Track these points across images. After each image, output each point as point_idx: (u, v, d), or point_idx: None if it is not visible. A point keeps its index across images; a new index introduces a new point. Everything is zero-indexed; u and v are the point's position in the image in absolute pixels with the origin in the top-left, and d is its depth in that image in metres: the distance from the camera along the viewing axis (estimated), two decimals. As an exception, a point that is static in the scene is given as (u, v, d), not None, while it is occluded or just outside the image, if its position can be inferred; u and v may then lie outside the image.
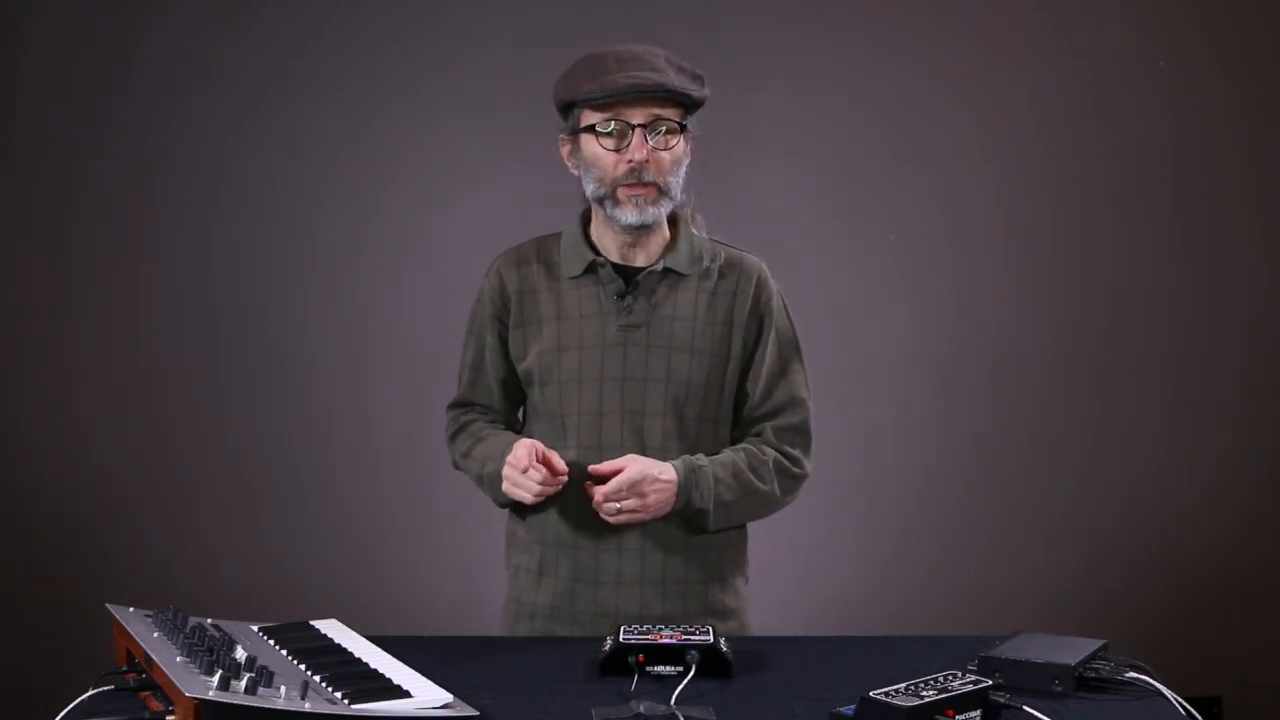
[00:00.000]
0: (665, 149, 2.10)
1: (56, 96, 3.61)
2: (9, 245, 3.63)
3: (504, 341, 2.25)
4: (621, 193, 2.11)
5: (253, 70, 3.63)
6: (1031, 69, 3.74)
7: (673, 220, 2.23)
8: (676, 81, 2.08)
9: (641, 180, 2.10)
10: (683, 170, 2.15)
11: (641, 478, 2.07)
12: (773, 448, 2.21)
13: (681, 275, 2.20)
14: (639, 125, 2.08)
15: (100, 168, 3.63)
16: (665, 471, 2.09)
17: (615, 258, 2.20)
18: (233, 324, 3.67)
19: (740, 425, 2.25)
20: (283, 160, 3.66)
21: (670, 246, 2.21)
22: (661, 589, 2.17)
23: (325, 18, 3.65)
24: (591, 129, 2.11)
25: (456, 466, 2.31)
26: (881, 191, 3.76)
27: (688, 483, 2.11)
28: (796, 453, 2.22)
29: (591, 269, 2.19)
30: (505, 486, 2.11)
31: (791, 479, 2.22)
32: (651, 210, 2.12)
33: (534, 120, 3.61)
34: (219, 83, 3.62)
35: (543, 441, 2.17)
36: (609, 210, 2.13)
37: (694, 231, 2.24)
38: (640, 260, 2.20)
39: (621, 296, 2.18)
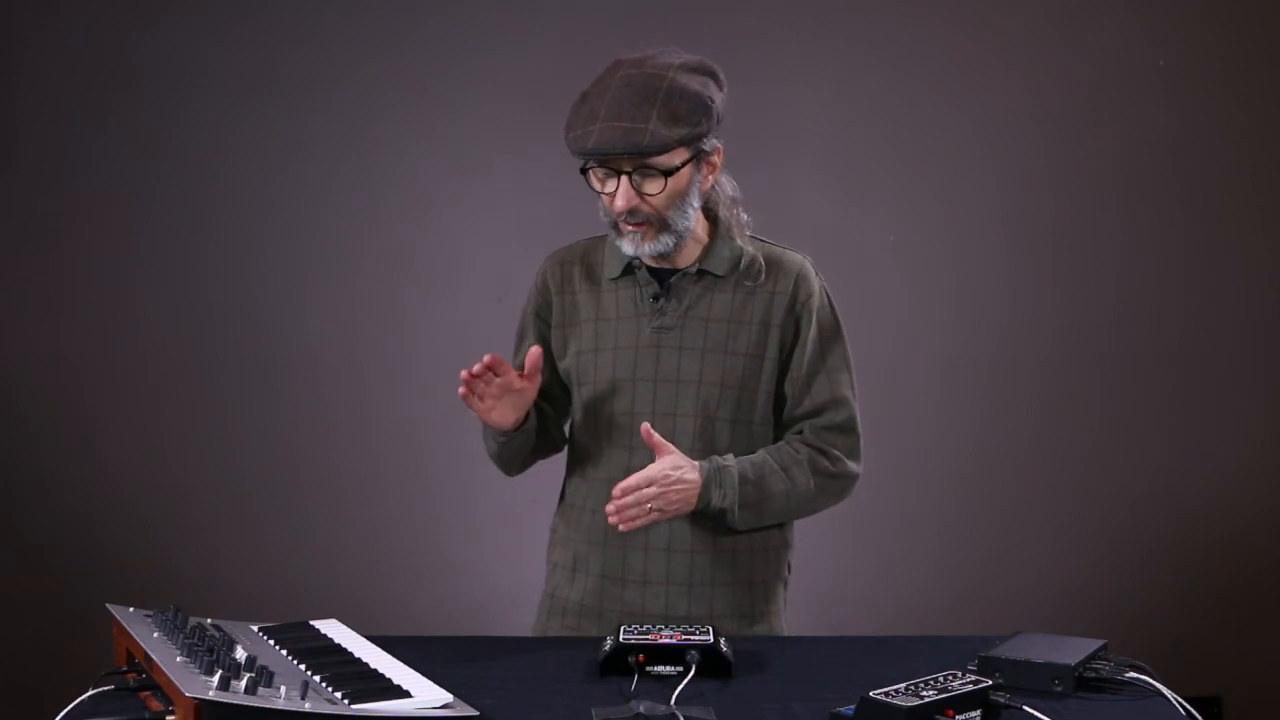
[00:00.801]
0: (652, 193, 2.09)
1: (57, 97, 3.61)
2: (9, 245, 3.63)
3: (544, 340, 2.26)
4: (622, 226, 2.12)
5: (253, 70, 3.63)
6: (1032, 69, 3.74)
7: (712, 220, 2.22)
8: (649, 139, 2.03)
9: (633, 221, 2.10)
10: (689, 198, 2.13)
11: (662, 476, 2.06)
12: (810, 446, 2.19)
13: (718, 277, 2.20)
14: (626, 172, 2.07)
15: (100, 168, 3.63)
16: (689, 471, 2.09)
17: (651, 261, 2.20)
18: (233, 324, 3.67)
19: (782, 426, 2.24)
20: (283, 161, 3.66)
21: (708, 248, 2.21)
22: (687, 590, 2.17)
23: (325, 18, 3.65)
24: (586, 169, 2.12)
25: (490, 452, 2.31)
26: (881, 191, 3.76)
27: (709, 482, 2.10)
28: (836, 451, 2.20)
29: (629, 271, 2.20)
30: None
31: (830, 478, 2.19)
32: (647, 246, 2.13)
33: (534, 120, 3.61)
34: (219, 83, 3.62)
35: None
36: (615, 240, 2.15)
37: (734, 232, 2.23)
38: (679, 263, 2.20)
39: (656, 298, 2.18)
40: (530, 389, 2.12)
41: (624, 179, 2.07)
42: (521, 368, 2.17)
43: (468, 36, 3.67)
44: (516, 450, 2.24)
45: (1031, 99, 3.73)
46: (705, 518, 2.14)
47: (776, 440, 2.24)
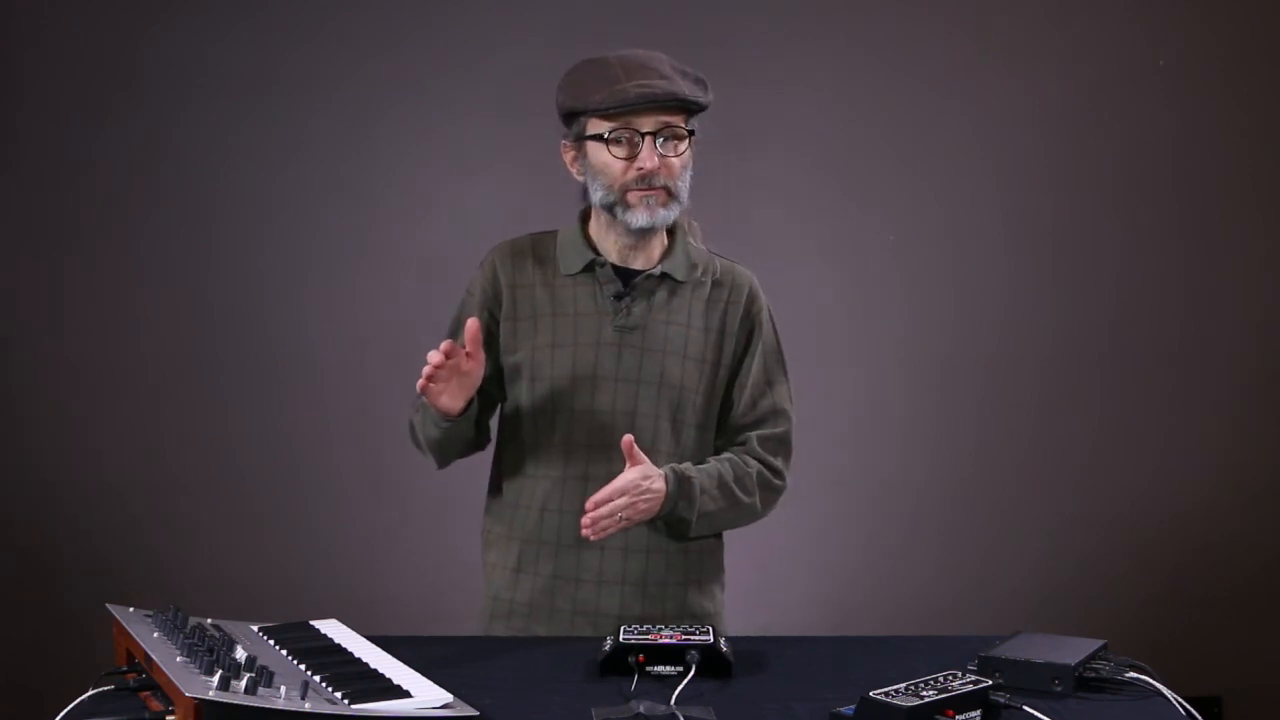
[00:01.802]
0: (674, 155, 2.11)
1: (57, 97, 3.61)
2: (10, 245, 3.63)
3: (489, 334, 2.23)
4: (632, 196, 2.11)
5: (253, 70, 3.63)
6: (1032, 69, 3.74)
7: (670, 228, 2.23)
8: (685, 89, 2.09)
9: (651, 185, 2.11)
10: (689, 174, 2.16)
11: (633, 486, 2.06)
12: (756, 459, 2.22)
13: (678, 282, 2.21)
14: (649, 133, 2.09)
15: (100, 168, 3.63)
16: (656, 481, 2.09)
17: (614, 259, 2.21)
18: (233, 324, 3.67)
19: (724, 433, 2.26)
20: (283, 161, 3.66)
21: (668, 252, 2.22)
22: (641, 590, 2.18)
23: (325, 18, 3.65)
24: (599, 137, 2.11)
25: (414, 438, 2.27)
26: (881, 191, 3.76)
27: (675, 493, 2.12)
28: (779, 464, 2.24)
29: (590, 268, 2.20)
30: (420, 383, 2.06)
31: (772, 491, 2.24)
32: (662, 213, 2.13)
33: (534, 121, 3.61)
34: (219, 83, 3.62)
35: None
36: (619, 214, 2.13)
37: (690, 240, 2.25)
38: (639, 264, 2.21)
39: (619, 298, 2.18)
40: (476, 369, 2.09)
41: (648, 139, 2.09)
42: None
43: (468, 36, 3.67)
44: (456, 438, 2.20)
45: (1031, 99, 3.73)
46: (658, 520, 2.15)
47: (717, 445, 2.26)
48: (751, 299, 2.25)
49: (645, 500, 2.08)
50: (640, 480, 2.06)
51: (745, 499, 2.19)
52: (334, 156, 3.67)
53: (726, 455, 2.22)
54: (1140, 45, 3.74)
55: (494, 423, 2.32)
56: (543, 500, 2.19)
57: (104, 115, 3.62)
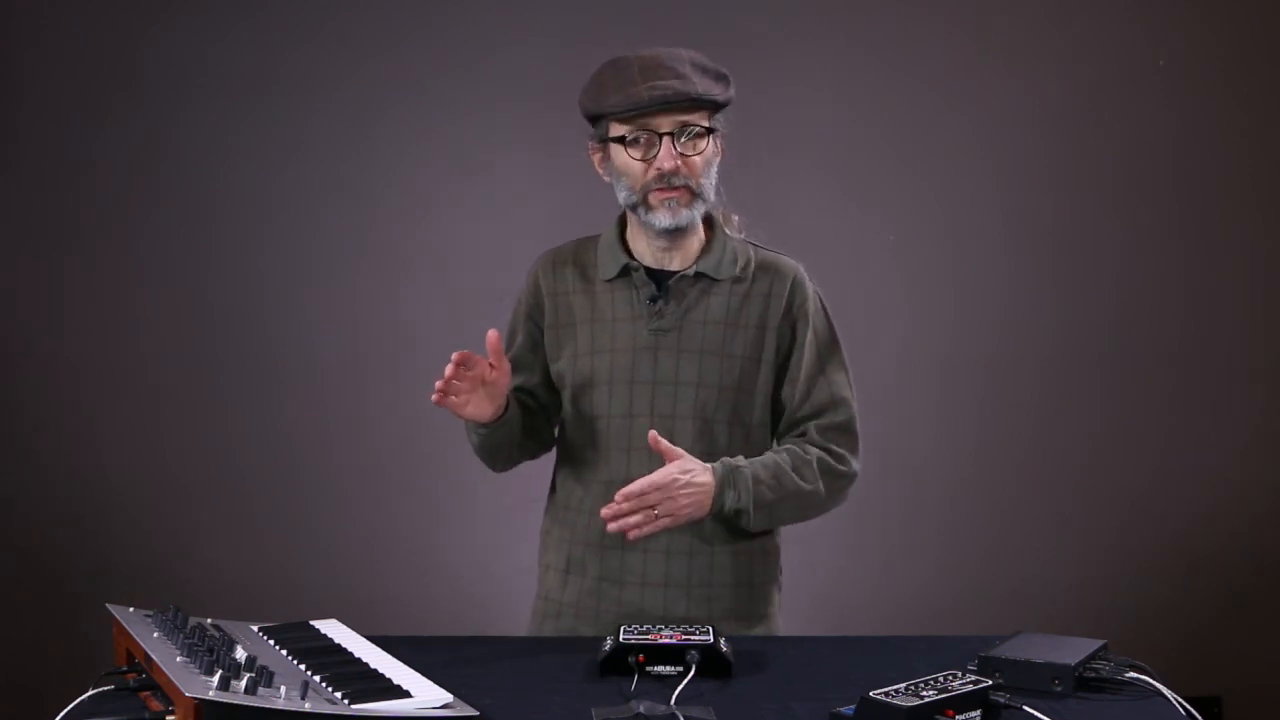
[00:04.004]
0: (695, 153, 2.11)
1: (57, 97, 3.62)
2: (9, 245, 3.63)
3: (535, 342, 2.25)
4: (654, 197, 2.12)
5: (253, 70, 3.63)
6: (1032, 69, 3.74)
7: (709, 223, 2.23)
8: (701, 88, 2.09)
9: (672, 185, 2.11)
10: (714, 170, 2.16)
11: (669, 481, 2.04)
12: (817, 446, 2.19)
13: (714, 279, 2.19)
14: (666, 134, 2.09)
15: (100, 168, 3.63)
16: (699, 474, 2.07)
17: (650, 262, 2.20)
18: (233, 324, 3.67)
19: (782, 429, 2.24)
20: (283, 161, 3.66)
21: (705, 250, 2.21)
22: (686, 591, 2.17)
23: (325, 18, 3.65)
24: (620, 139, 2.11)
25: (474, 446, 2.28)
26: (881, 191, 3.76)
27: (724, 483, 2.09)
28: (842, 451, 2.20)
29: (625, 272, 2.20)
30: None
31: (837, 478, 2.20)
32: (685, 213, 2.13)
33: (534, 120, 3.61)
34: (219, 83, 3.63)
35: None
36: (642, 216, 2.14)
37: (729, 234, 2.24)
38: (675, 264, 2.20)
39: (654, 300, 2.18)
40: (502, 378, 2.09)
41: (666, 139, 2.09)
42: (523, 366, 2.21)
43: (468, 36, 3.67)
44: (499, 443, 2.21)
45: (1031, 99, 3.73)
46: (712, 518, 2.13)
47: (771, 443, 2.24)
48: (795, 289, 2.22)
49: (687, 495, 2.05)
50: (678, 475, 2.04)
51: (806, 487, 2.14)
52: (334, 156, 3.67)
53: (785, 445, 2.19)
54: (1140, 45, 3.74)
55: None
56: (591, 505, 2.17)
57: (104, 115, 3.62)
